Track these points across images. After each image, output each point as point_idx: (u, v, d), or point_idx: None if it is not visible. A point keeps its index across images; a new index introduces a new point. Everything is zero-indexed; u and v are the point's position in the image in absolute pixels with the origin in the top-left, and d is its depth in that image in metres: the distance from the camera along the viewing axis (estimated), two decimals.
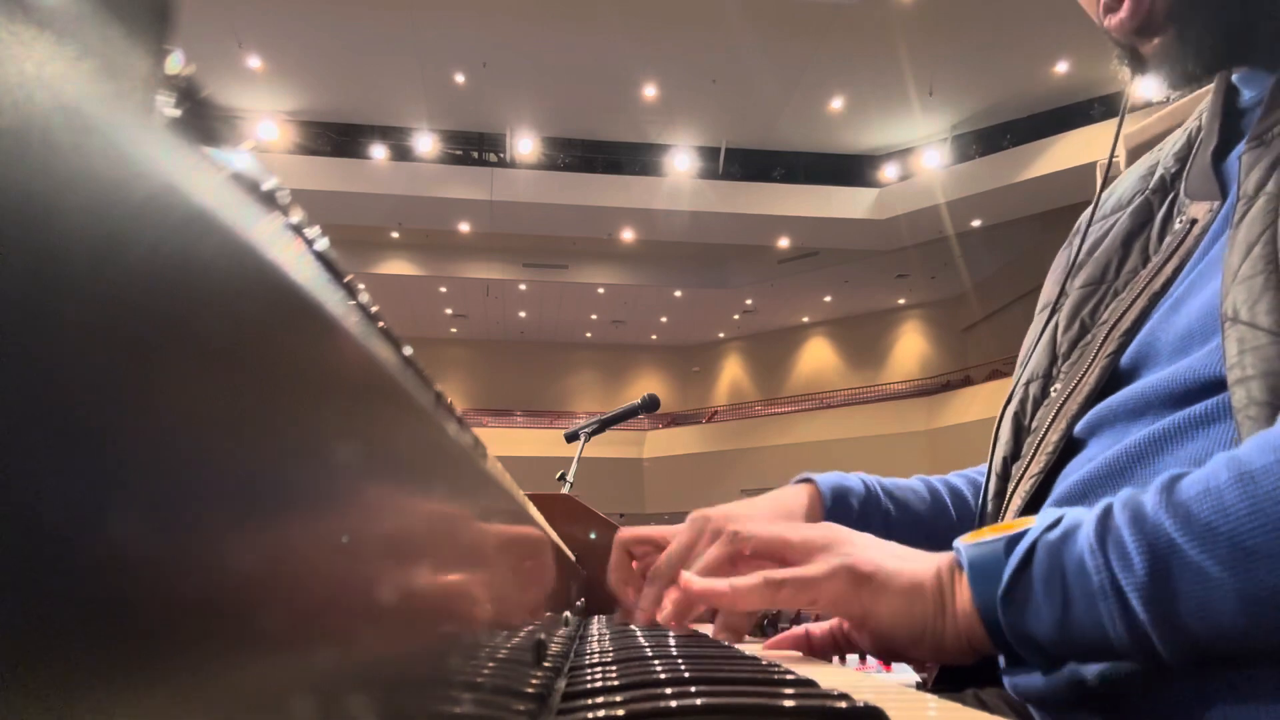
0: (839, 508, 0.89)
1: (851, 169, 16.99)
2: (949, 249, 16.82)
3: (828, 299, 20.03)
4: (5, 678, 0.07)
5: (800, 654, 0.78)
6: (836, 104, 15.48)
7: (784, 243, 17.43)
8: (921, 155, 16.39)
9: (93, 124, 0.08)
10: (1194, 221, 0.68)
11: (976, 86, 14.44)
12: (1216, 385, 0.57)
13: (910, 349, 20.61)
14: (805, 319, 21.28)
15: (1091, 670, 0.54)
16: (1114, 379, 0.68)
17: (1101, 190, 0.84)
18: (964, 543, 0.60)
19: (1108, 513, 0.51)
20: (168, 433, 0.10)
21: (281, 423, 0.13)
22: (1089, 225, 0.82)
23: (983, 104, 15.15)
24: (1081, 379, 0.70)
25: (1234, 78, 0.72)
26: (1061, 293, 0.78)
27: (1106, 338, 0.69)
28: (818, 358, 21.46)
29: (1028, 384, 0.77)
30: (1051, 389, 0.75)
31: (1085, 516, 0.53)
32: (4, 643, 0.07)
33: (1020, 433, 0.77)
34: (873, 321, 20.85)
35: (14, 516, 0.07)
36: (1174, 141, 0.79)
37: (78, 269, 0.08)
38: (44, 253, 0.08)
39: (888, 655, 0.64)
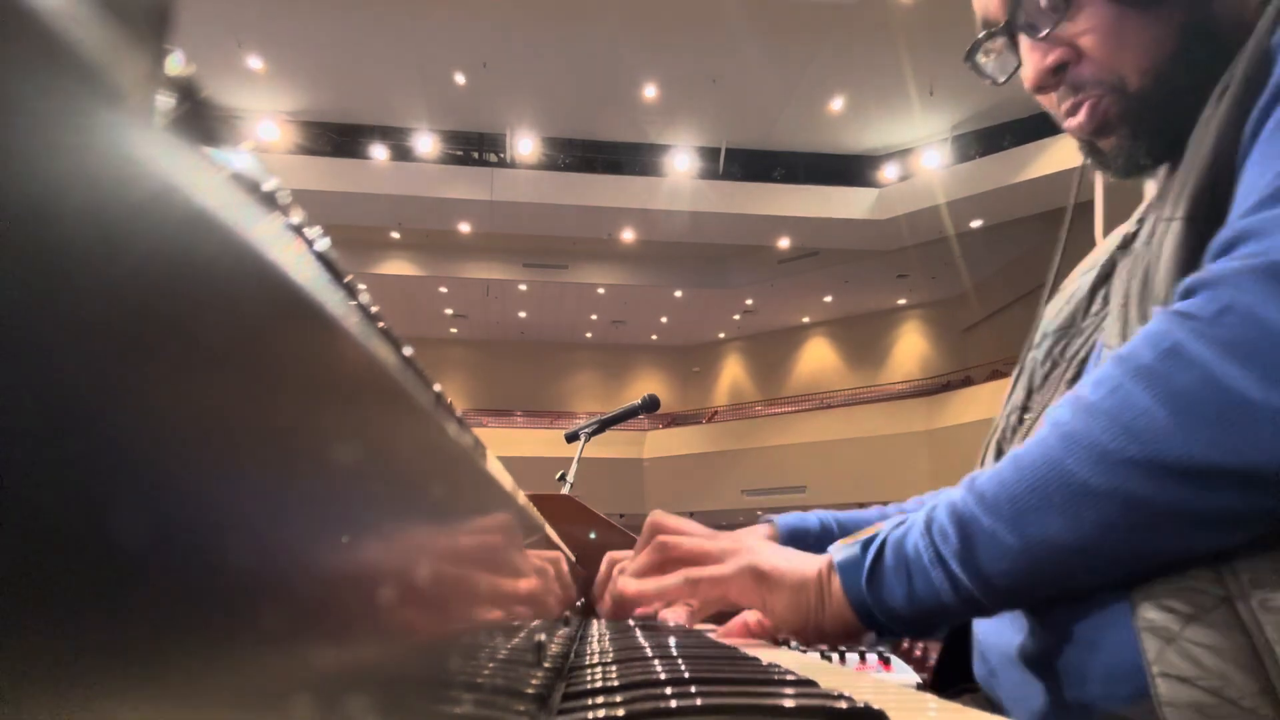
0: (794, 544, 1.04)
1: (851, 169, 16.98)
2: (949, 249, 16.81)
3: (828, 299, 20.02)
4: (5, 678, 0.07)
5: (792, 652, 0.84)
6: (836, 104, 15.47)
7: (784, 243, 17.43)
8: (922, 155, 16.38)
9: (93, 124, 0.08)
10: None
11: (977, 86, 14.40)
12: None
13: (910, 349, 20.60)
14: (805, 319, 21.27)
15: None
16: None
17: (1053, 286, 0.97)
18: (835, 546, 0.76)
19: (934, 507, 0.68)
20: (168, 432, 0.10)
21: (282, 423, 0.13)
22: (1052, 278, 0.95)
23: (983, 104, 15.14)
24: (1045, 406, 0.80)
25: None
26: (1041, 336, 0.89)
27: (1066, 370, 0.80)
28: (818, 358, 21.45)
29: (1008, 415, 0.88)
30: (1026, 417, 0.84)
31: (919, 514, 0.69)
32: (4, 643, 0.07)
33: (1001, 458, 0.84)
34: (873, 321, 20.83)
35: (14, 516, 0.07)
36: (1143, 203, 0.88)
37: (78, 269, 0.08)
38: (44, 253, 0.08)
39: (788, 636, 0.79)
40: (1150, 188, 0.85)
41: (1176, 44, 0.72)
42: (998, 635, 0.74)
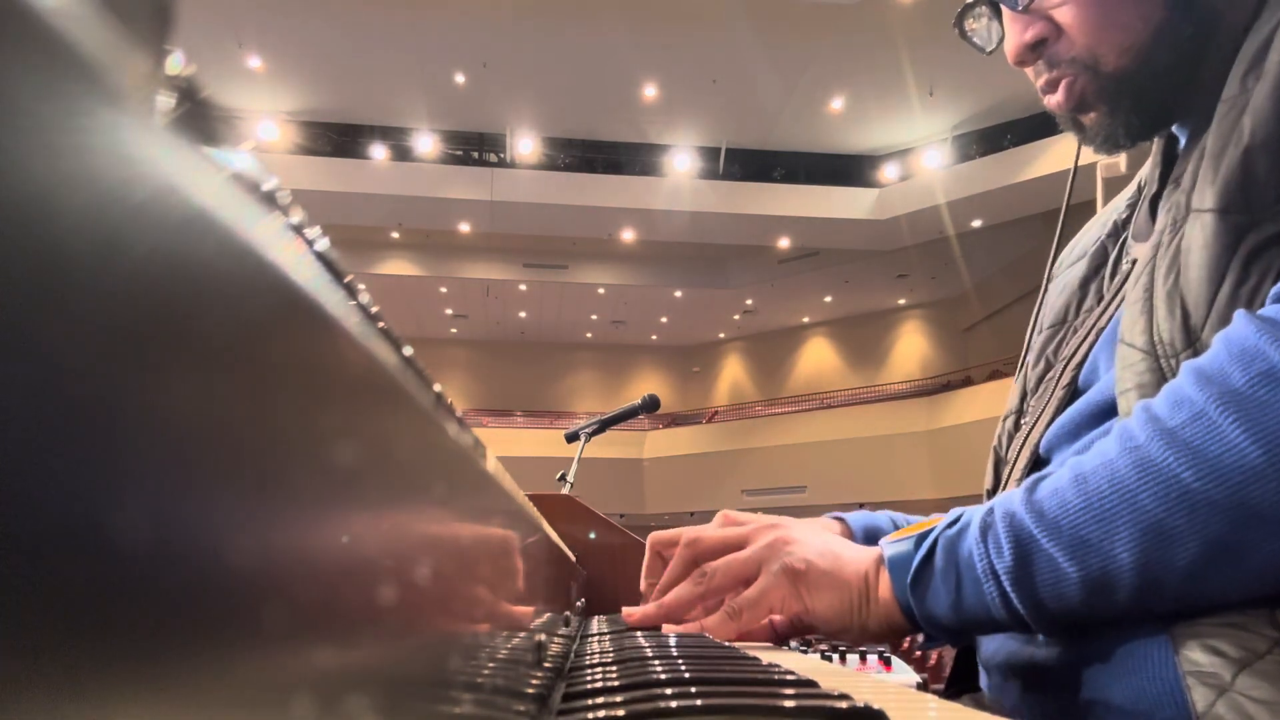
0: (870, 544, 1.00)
1: (851, 169, 16.99)
2: (949, 249, 16.81)
3: (828, 299, 20.02)
4: (5, 678, 0.07)
5: (792, 653, 0.81)
6: (836, 104, 15.47)
7: (784, 243, 17.43)
8: (922, 155, 16.38)
9: (93, 124, 0.08)
10: (1134, 261, 0.75)
11: (977, 86, 14.42)
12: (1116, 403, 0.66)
13: (910, 349, 20.60)
14: (805, 319, 21.27)
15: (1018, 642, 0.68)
16: (1069, 407, 0.76)
17: (1056, 253, 0.94)
18: (886, 541, 0.71)
19: (990, 511, 0.63)
20: (168, 433, 0.10)
21: (282, 423, 0.13)
22: (1049, 272, 0.91)
23: (983, 104, 15.13)
24: (1042, 411, 0.78)
25: (1173, 126, 0.77)
26: (1033, 334, 0.87)
27: (1063, 371, 0.77)
28: (818, 358, 21.45)
29: (1004, 420, 0.85)
30: (1022, 422, 0.82)
31: (976, 514, 0.65)
32: (4, 643, 0.07)
33: (999, 465, 0.85)
34: (873, 322, 20.84)
35: (15, 516, 0.07)
36: (1128, 189, 0.86)
37: (78, 269, 0.08)
38: (44, 253, 0.08)
39: (829, 637, 0.75)
40: (1145, 167, 0.83)
41: (1161, 21, 0.70)
42: (1008, 652, 0.71)
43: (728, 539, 0.80)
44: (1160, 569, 0.54)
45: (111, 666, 0.08)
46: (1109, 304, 0.76)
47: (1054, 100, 0.75)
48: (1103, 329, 0.75)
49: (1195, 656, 0.54)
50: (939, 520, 0.69)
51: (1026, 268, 15.37)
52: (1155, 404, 0.56)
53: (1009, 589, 0.60)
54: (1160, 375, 0.61)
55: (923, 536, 0.68)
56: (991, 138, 15.71)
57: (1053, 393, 0.77)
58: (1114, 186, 1.89)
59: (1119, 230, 0.83)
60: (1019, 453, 0.79)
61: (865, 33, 13.03)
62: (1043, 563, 0.58)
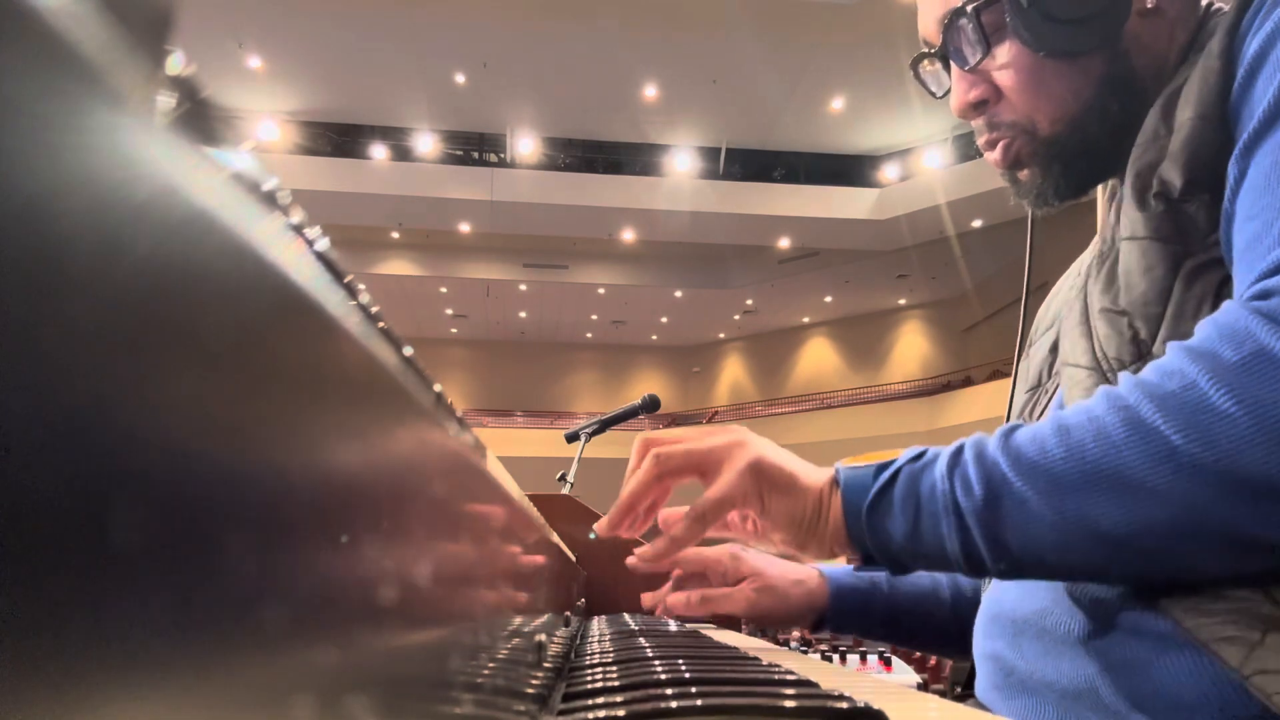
0: (842, 602, 1.03)
1: (852, 169, 16.97)
2: (950, 249, 16.80)
3: (828, 299, 20.01)
4: (5, 678, 0.07)
5: (792, 653, 0.81)
6: (836, 104, 15.46)
7: (784, 243, 17.42)
8: (922, 155, 16.37)
9: (93, 124, 0.08)
10: None
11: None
12: None
13: (911, 349, 20.59)
14: (806, 319, 21.26)
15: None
16: None
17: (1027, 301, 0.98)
18: (843, 464, 0.73)
19: (959, 450, 0.64)
20: (169, 432, 0.10)
21: (282, 422, 0.13)
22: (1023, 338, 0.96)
23: None
24: None
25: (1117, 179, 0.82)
26: (1014, 397, 0.90)
27: (1047, 405, 0.80)
28: (818, 358, 21.44)
29: None
30: None
31: (943, 452, 0.66)
32: (4, 643, 0.07)
33: None
34: (873, 322, 20.82)
35: (15, 516, 0.07)
36: (1091, 248, 0.89)
37: (78, 269, 0.08)
38: (44, 253, 0.08)
39: (779, 542, 0.75)
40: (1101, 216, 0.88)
41: (1092, 95, 0.75)
42: (1015, 658, 0.72)
43: (686, 438, 0.79)
44: (1140, 525, 0.55)
45: (113, 665, 0.08)
46: None
47: (992, 157, 0.81)
48: None
49: (1217, 630, 0.55)
50: (896, 453, 0.70)
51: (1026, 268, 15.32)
52: (1144, 374, 0.57)
53: (972, 526, 0.61)
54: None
55: (883, 466, 0.68)
56: None
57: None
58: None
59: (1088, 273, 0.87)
60: None
61: (865, 33, 13.02)
62: (1014, 505, 0.59)
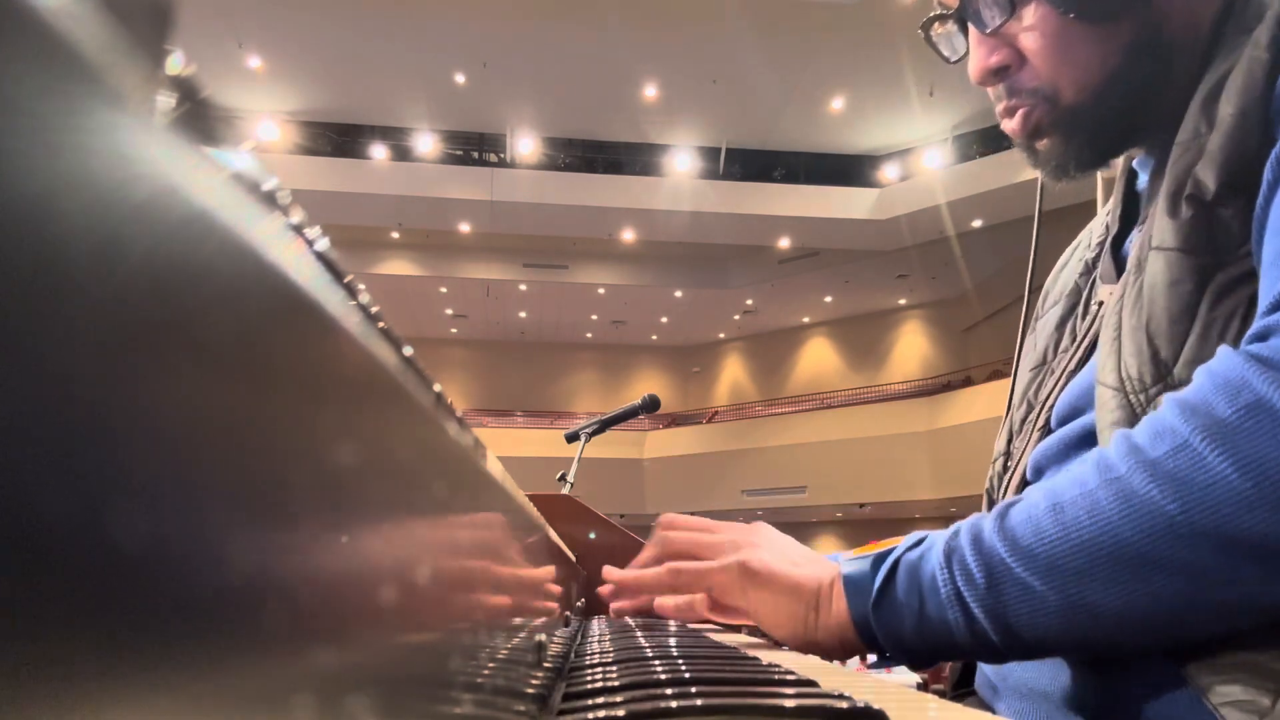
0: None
1: (852, 169, 16.97)
2: (950, 249, 16.79)
3: (828, 299, 20.01)
4: (5, 678, 0.07)
5: (792, 653, 0.81)
6: (836, 104, 15.46)
7: (784, 243, 17.42)
8: (922, 155, 16.37)
9: (93, 124, 0.08)
10: (1101, 304, 0.77)
11: (977, 86, 14.40)
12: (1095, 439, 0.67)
13: (911, 349, 20.59)
14: (806, 319, 21.25)
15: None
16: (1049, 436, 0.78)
17: (1030, 288, 0.98)
18: (845, 557, 0.72)
19: (955, 534, 0.63)
20: (168, 433, 0.10)
21: (282, 423, 0.13)
22: (1041, 308, 0.93)
23: (984, 104, 14.98)
24: (1024, 453, 0.79)
25: (1134, 162, 0.79)
26: (1016, 377, 0.89)
27: (1040, 414, 0.79)
28: (818, 358, 21.44)
29: (995, 462, 0.87)
30: (1009, 464, 0.83)
31: (938, 538, 0.65)
32: (4, 643, 0.07)
33: (992, 507, 0.85)
34: (873, 322, 20.82)
35: (15, 516, 0.07)
36: (1098, 227, 0.87)
37: (78, 269, 0.08)
38: (44, 253, 0.08)
39: (774, 640, 0.76)
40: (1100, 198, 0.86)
41: (1119, 62, 0.71)
42: (1021, 677, 0.71)
43: (702, 526, 0.85)
44: (1145, 599, 0.53)
45: (112, 667, 0.08)
46: (1079, 345, 0.78)
47: (1010, 126, 0.77)
48: (1073, 371, 0.76)
49: (1227, 690, 0.53)
50: (894, 541, 0.69)
51: (1027, 268, 15.33)
52: (1136, 434, 0.55)
53: (978, 615, 0.60)
54: (1130, 411, 0.62)
55: (881, 557, 0.68)
56: (992, 138, 15.68)
57: (1030, 434, 0.79)
58: (1113, 186, 1.89)
59: (1090, 269, 0.84)
60: (1006, 493, 0.81)
61: (865, 33, 13.02)
62: (1016, 590, 0.58)
